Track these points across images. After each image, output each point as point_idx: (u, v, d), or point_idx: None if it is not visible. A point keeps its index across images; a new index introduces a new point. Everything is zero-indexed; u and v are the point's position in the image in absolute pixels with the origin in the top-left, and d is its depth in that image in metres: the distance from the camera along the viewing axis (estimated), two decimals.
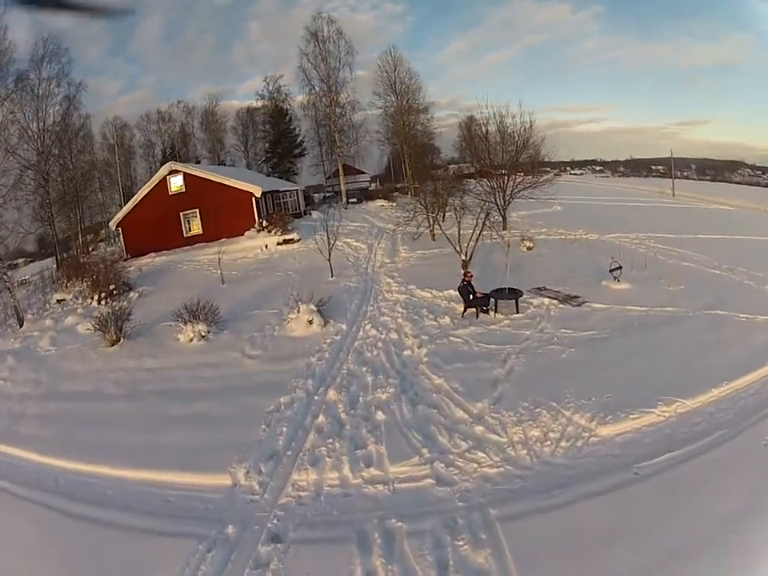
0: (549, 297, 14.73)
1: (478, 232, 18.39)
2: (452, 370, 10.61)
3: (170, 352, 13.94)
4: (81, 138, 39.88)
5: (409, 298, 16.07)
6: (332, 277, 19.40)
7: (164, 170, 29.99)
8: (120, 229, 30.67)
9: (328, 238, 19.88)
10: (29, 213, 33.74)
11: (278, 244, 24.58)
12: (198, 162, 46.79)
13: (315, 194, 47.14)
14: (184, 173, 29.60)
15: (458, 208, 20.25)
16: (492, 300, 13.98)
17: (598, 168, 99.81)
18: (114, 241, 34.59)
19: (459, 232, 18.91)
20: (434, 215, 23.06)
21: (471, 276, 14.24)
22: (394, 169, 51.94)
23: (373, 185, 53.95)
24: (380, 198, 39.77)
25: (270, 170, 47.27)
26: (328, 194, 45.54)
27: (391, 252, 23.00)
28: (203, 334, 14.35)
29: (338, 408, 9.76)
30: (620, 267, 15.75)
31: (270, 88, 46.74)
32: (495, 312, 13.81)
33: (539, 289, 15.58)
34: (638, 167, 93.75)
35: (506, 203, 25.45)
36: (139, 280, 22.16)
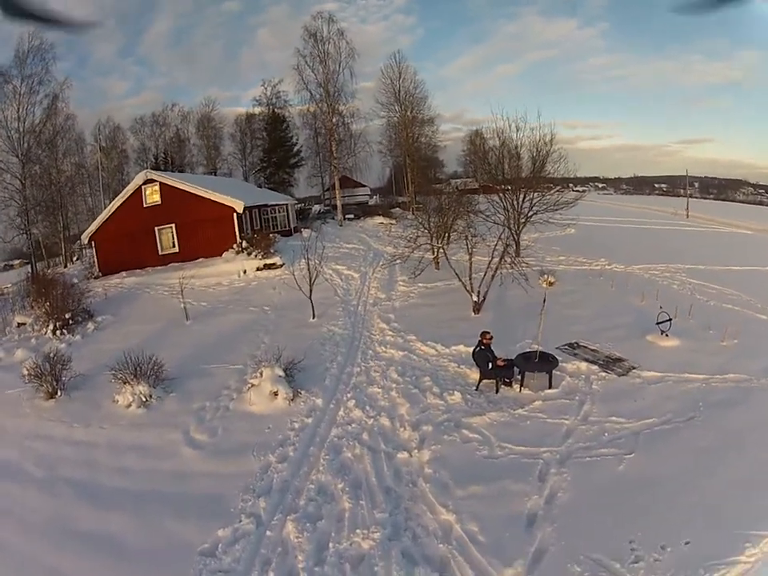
0: (586, 360, 11.20)
1: (494, 267, 14.87)
2: (466, 497, 7.05)
3: (103, 419, 10.57)
4: (66, 140, 37.01)
5: (407, 356, 12.51)
6: (313, 318, 15.91)
7: (139, 179, 26.27)
8: (93, 242, 27.24)
9: (309, 270, 16.27)
10: (4, 220, 30.96)
11: (258, 269, 21.01)
12: (191, 171, 43.40)
13: (313, 206, 43.54)
14: (160, 183, 25.90)
15: (468, 236, 16.36)
16: (517, 369, 10.42)
17: (600, 185, 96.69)
18: (83, 255, 31.16)
19: (471, 266, 15.31)
20: (438, 243, 18.96)
21: (491, 338, 10.61)
22: (396, 182, 48.40)
23: (373, 198, 50.18)
24: (379, 215, 36.04)
25: (264, 180, 43.66)
26: (324, 209, 41.74)
27: (388, 284, 19.31)
28: (144, 398, 10.89)
29: (297, 560, 6.25)
30: (670, 320, 12.20)
31: (268, 93, 42.97)
32: (521, 386, 10.25)
33: (572, 346, 12.03)
34: (640, 185, 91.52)
35: (521, 227, 21.85)
36: (101, 307, 18.90)
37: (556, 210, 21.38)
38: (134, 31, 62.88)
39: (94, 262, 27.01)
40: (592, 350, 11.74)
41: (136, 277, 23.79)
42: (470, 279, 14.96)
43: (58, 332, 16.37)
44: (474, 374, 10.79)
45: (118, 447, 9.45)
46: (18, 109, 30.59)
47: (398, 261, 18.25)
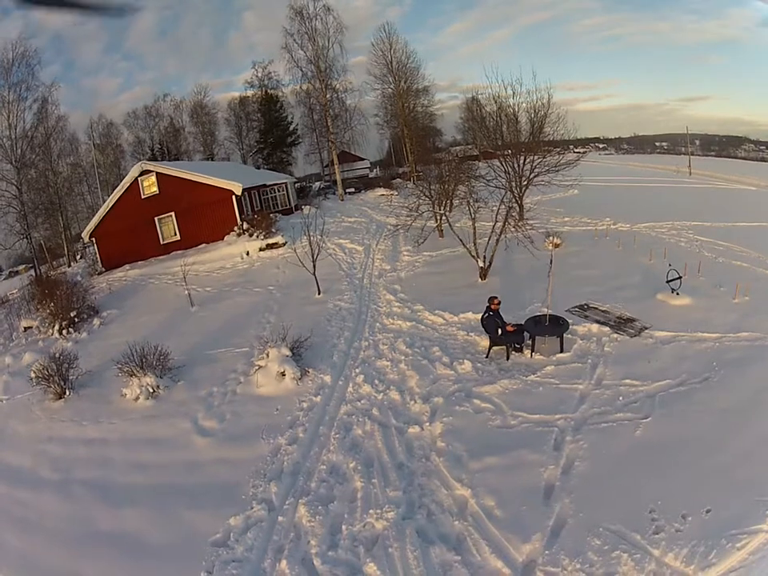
0: (597, 321, 10.84)
1: (498, 232, 14.36)
2: (481, 470, 6.82)
3: (113, 414, 10.47)
4: (59, 141, 36.80)
5: (415, 327, 12.17)
6: (319, 294, 15.57)
7: (135, 171, 25.95)
8: (93, 239, 27.12)
9: (311, 246, 15.80)
10: (3, 227, 30.98)
11: (261, 250, 20.63)
12: (188, 159, 42.69)
13: (314, 183, 42.73)
14: (156, 173, 25.52)
15: (470, 201, 15.78)
16: (527, 334, 10.06)
17: (601, 146, 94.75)
18: (86, 253, 31.06)
19: (475, 232, 14.83)
20: (441, 210, 18.39)
21: (499, 303, 10.25)
22: (396, 154, 47.47)
23: (373, 171, 49.14)
24: (380, 187, 35.14)
25: (262, 161, 42.94)
26: (324, 185, 41.02)
27: (392, 255, 18.86)
28: (152, 389, 10.75)
29: (310, 545, 6.09)
30: (680, 277, 11.78)
31: (260, 75, 41.97)
32: (532, 351, 9.88)
33: (582, 308, 11.66)
34: (641, 144, 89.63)
35: (523, 189, 21.20)
36: (106, 302, 18.83)
37: (557, 170, 20.66)
38: (119, 27, 61.07)
39: (96, 258, 26.98)
40: (603, 311, 11.37)
41: (139, 269, 23.61)
42: (475, 245, 14.54)
43: (64, 331, 16.31)
44: (484, 342, 10.47)
45: (129, 442, 9.37)
46: (9, 117, 30.56)
47: (401, 230, 17.76)
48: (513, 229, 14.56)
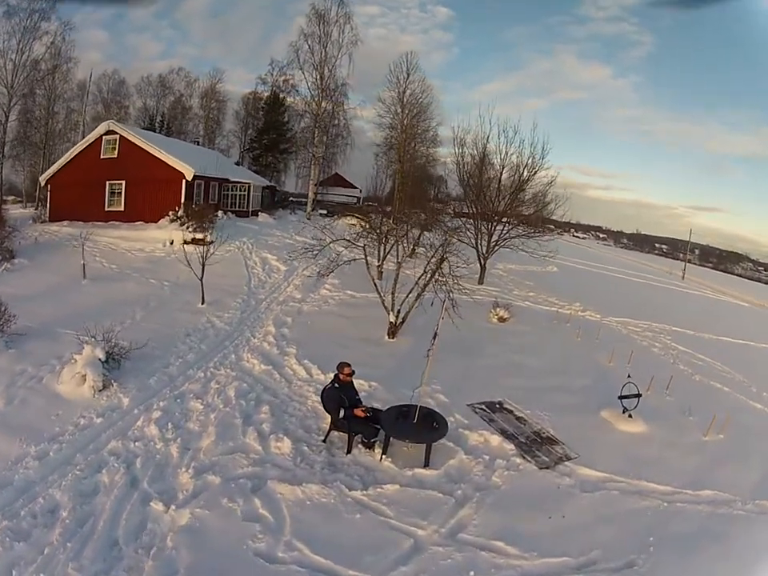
0: (503, 432, 7.53)
1: (426, 279, 11.12)
2: None
3: None
4: (63, 82, 33.59)
5: (268, 373, 9.15)
6: (202, 304, 12.69)
7: (101, 128, 23.06)
8: (48, 187, 24.26)
9: (205, 250, 13.10)
10: None
11: (186, 242, 17.50)
12: (197, 142, 39.55)
13: (289, 196, 39.47)
14: (120, 136, 22.63)
15: (402, 239, 12.58)
16: (381, 430, 6.74)
17: (601, 236, 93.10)
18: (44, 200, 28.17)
19: (396, 278, 11.55)
20: (385, 250, 14.58)
21: (351, 374, 7.04)
22: (392, 190, 44.29)
23: (361, 201, 45.58)
24: (354, 216, 31.17)
25: (251, 160, 39.92)
26: (296, 198, 37.68)
27: (313, 284, 15.45)
28: None
29: None
30: (638, 395, 8.52)
31: (274, 74, 38.92)
32: (383, 453, 6.59)
33: (491, 407, 8.37)
34: (641, 242, 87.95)
35: (490, 250, 18.19)
36: (27, 251, 16.93)
37: (530, 238, 17.87)
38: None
39: (46, 205, 24.31)
40: (517, 419, 8.09)
41: (74, 228, 20.74)
42: (393, 295, 11.27)
43: None
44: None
45: None
46: (19, 42, 27.98)
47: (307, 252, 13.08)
48: (437, 284, 10.85)
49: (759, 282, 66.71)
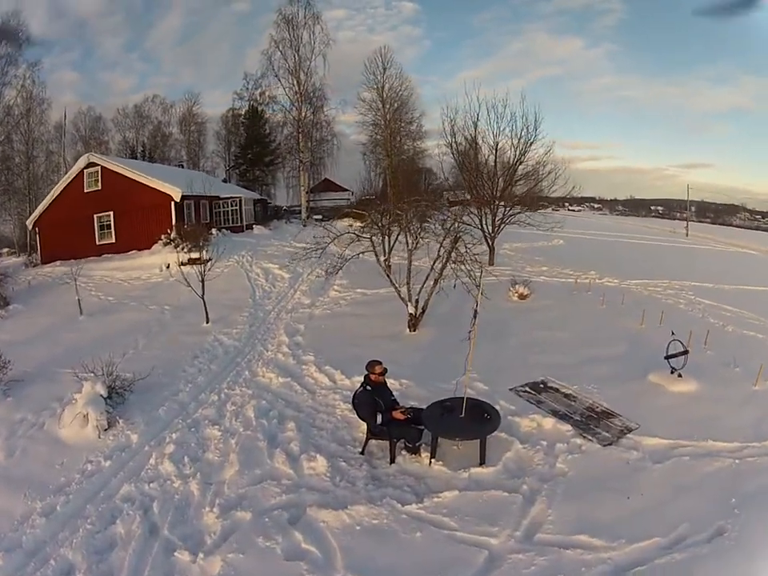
0: (555, 413, 6.82)
1: (440, 266, 10.39)
2: None
3: None
4: (39, 125, 33.10)
5: (288, 385, 8.43)
6: (207, 323, 11.98)
7: (81, 162, 22.66)
8: (36, 229, 23.79)
9: (202, 270, 12.46)
10: None
11: (182, 264, 16.78)
12: (181, 166, 38.93)
13: (283, 206, 38.84)
14: (102, 167, 22.13)
15: (409, 226, 11.50)
16: (425, 431, 5.98)
17: (596, 205, 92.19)
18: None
19: (409, 268, 10.77)
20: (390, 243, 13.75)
21: (383, 373, 6.25)
22: (383, 186, 43.72)
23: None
24: (350, 216, 30.66)
25: (237, 176, 39.17)
26: (289, 208, 37.07)
27: (321, 287, 14.89)
28: None
29: None
30: (686, 352, 7.81)
31: (249, 87, 38.30)
32: (432, 457, 5.84)
33: (535, 388, 7.65)
34: (636, 207, 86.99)
35: (496, 230, 17.46)
36: (20, 296, 16.60)
37: (534, 211, 17.50)
38: (144, 24, 58.34)
39: (37, 249, 23.77)
40: (566, 396, 7.37)
41: (66, 267, 20.11)
42: (408, 285, 10.55)
43: None
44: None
45: None
46: None
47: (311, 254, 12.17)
48: (453, 265, 10.25)
49: (758, 230, 66.11)
